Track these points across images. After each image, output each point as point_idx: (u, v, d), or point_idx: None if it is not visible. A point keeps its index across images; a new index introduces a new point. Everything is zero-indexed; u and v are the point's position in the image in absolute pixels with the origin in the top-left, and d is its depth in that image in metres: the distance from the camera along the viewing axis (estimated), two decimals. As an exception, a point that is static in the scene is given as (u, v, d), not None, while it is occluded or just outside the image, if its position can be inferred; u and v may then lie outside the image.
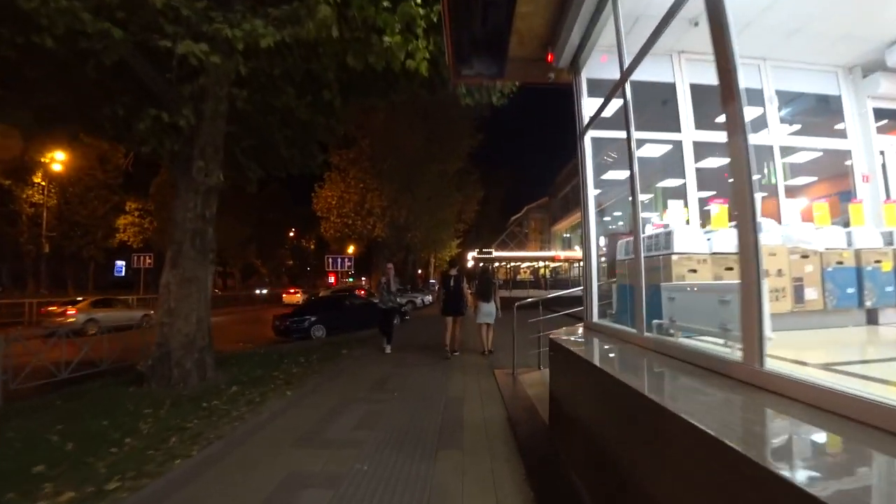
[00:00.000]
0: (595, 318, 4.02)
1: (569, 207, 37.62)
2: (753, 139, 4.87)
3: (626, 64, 3.34)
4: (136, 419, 4.66)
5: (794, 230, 3.50)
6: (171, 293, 6.50)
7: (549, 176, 44.64)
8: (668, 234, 3.17)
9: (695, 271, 3.10)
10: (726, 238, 3.26)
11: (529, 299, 6.04)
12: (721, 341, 2.25)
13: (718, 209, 3.46)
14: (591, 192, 4.25)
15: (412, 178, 23.53)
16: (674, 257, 3.08)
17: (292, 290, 35.71)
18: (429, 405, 4.71)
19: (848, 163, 4.92)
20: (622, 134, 4.53)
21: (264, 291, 40.17)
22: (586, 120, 4.38)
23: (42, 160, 22.92)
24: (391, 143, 22.65)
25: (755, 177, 5.56)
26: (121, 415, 4.87)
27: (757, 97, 5.00)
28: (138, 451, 3.76)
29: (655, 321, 2.91)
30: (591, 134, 4.40)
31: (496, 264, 33.46)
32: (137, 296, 22.57)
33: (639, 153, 8.65)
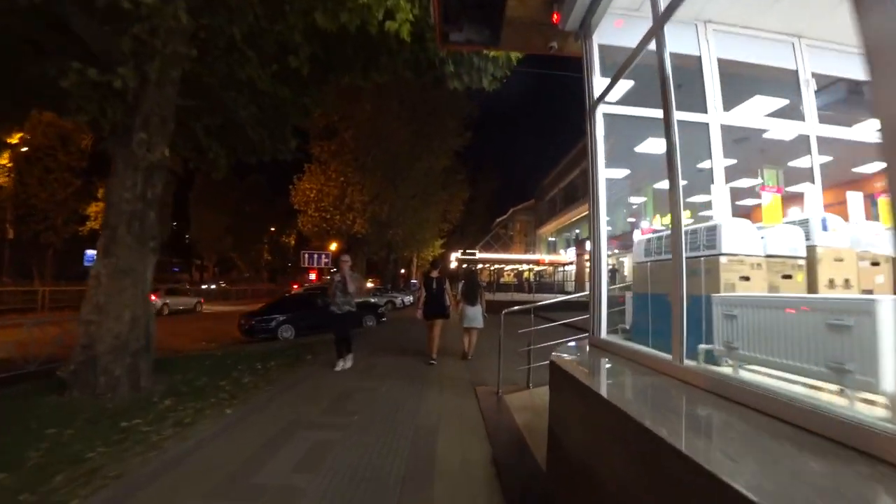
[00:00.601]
0: (604, 334, 3.24)
1: (555, 210, 37.24)
2: (785, 127, 4.03)
3: (663, 5, 2.57)
4: (33, 443, 3.72)
5: (861, 230, 2.77)
6: (100, 286, 5.52)
7: (536, 178, 44.20)
8: (714, 230, 2.40)
9: (747, 279, 2.34)
10: (784, 237, 2.52)
11: (516, 307, 5.24)
12: (831, 387, 1.49)
13: (771, 200, 2.70)
14: (603, 179, 3.48)
15: (397, 173, 22.63)
16: (722, 260, 2.32)
17: (296, 287, 34.78)
18: (394, 436, 3.82)
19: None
20: (638, 111, 3.79)
21: (212, 287, 38.48)
22: (598, 91, 3.60)
23: (9, 141, 21.31)
24: (376, 136, 21.71)
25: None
26: (18, 435, 3.93)
27: (791, 79, 4.33)
28: (7, 495, 2.85)
29: (702, 346, 2.14)
30: (603, 109, 3.62)
31: (480, 266, 32.83)
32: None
33: (639, 149, 7.80)
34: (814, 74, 4.29)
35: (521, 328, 5.52)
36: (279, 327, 12.01)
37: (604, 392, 1.87)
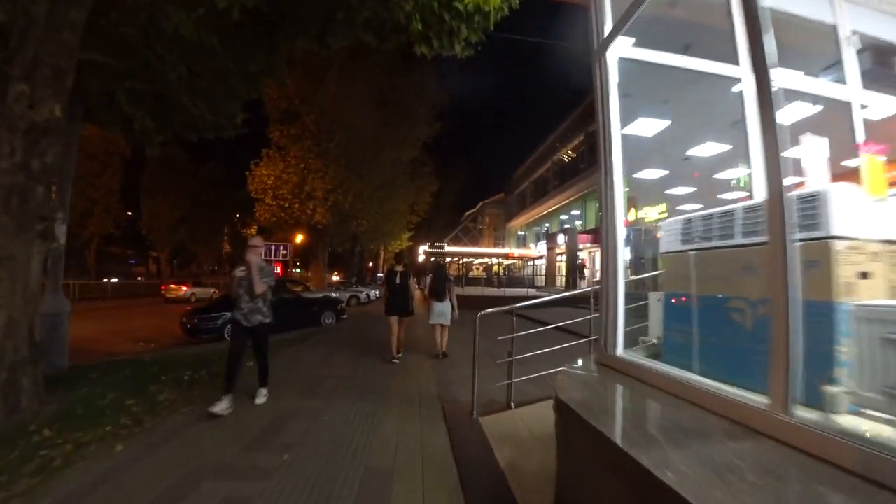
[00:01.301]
0: (620, 350, 2.40)
1: (525, 204, 36.82)
2: (821, 90, 3.24)
3: None
4: None
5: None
6: (-35, 280, 4.30)
7: (506, 172, 43.73)
8: (815, 200, 1.57)
9: (865, 276, 1.52)
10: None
11: (492, 309, 4.35)
12: None
13: (872, 164, 1.90)
14: (618, 140, 2.62)
15: (362, 162, 21.39)
16: (836, 246, 1.48)
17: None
18: (332, 490, 2.72)
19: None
20: (659, 56, 2.97)
21: (114, 280, 35.71)
22: (609, 27, 2.73)
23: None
24: (340, 122, 20.40)
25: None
26: None
27: (829, 35, 3.63)
28: None
29: (831, 389, 1.30)
30: (618, 53, 2.75)
31: (448, 259, 32.05)
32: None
33: (626, 130, 6.88)
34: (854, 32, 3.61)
35: (498, 329, 4.67)
36: (226, 326, 10.76)
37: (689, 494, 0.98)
